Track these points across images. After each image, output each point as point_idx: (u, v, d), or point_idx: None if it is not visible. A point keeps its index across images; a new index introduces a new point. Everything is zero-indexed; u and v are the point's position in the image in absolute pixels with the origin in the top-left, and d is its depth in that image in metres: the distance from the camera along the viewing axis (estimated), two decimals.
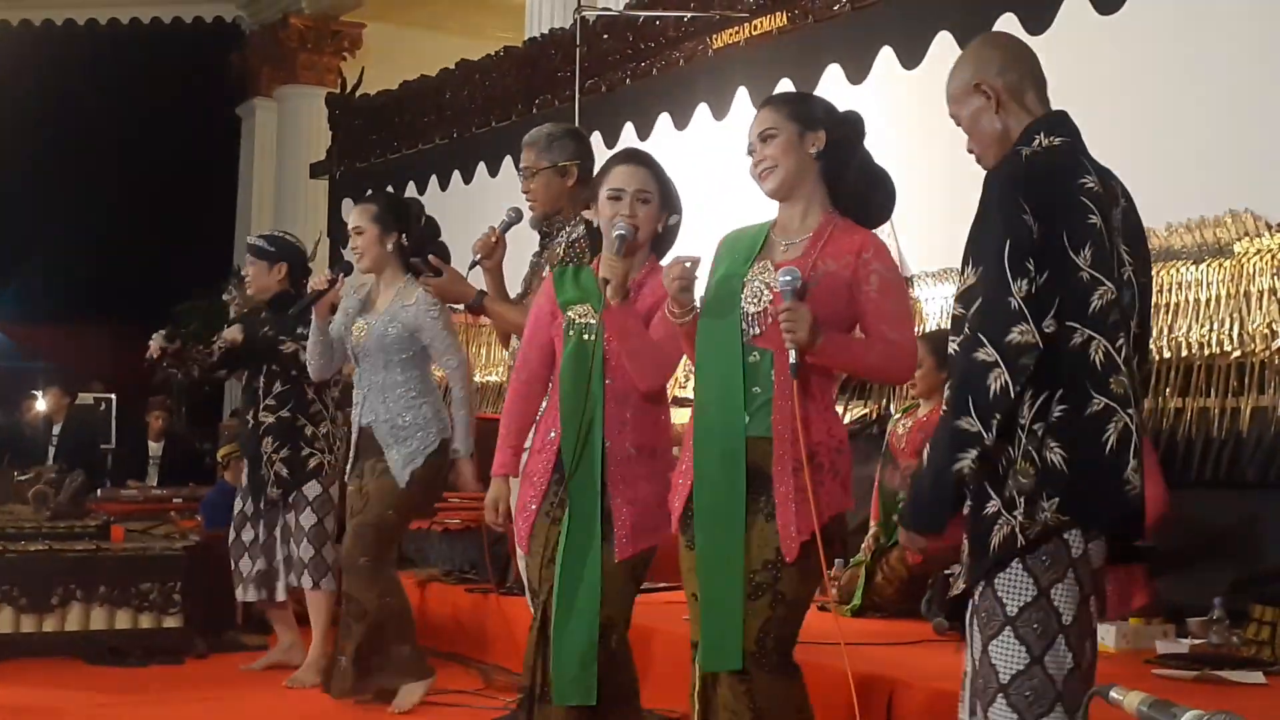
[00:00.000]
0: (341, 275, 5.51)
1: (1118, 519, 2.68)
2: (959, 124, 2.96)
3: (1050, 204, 2.67)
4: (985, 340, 2.61)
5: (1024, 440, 2.65)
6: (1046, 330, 2.62)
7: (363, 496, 5.28)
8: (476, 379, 9.98)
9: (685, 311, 3.39)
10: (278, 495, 6.00)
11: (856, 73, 7.22)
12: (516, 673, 5.58)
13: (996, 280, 2.63)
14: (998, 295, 2.62)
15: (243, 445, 6.28)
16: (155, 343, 6.32)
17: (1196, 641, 4.59)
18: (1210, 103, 5.59)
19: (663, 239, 3.92)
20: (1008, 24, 6.32)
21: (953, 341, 2.71)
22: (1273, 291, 5.19)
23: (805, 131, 3.38)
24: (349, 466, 5.41)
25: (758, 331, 3.31)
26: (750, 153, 3.44)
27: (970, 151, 2.96)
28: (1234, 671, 4.20)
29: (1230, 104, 5.53)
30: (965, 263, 2.73)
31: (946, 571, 5.25)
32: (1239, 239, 5.32)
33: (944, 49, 6.78)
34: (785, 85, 7.75)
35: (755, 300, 3.33)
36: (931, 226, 6.67)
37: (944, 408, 2.70)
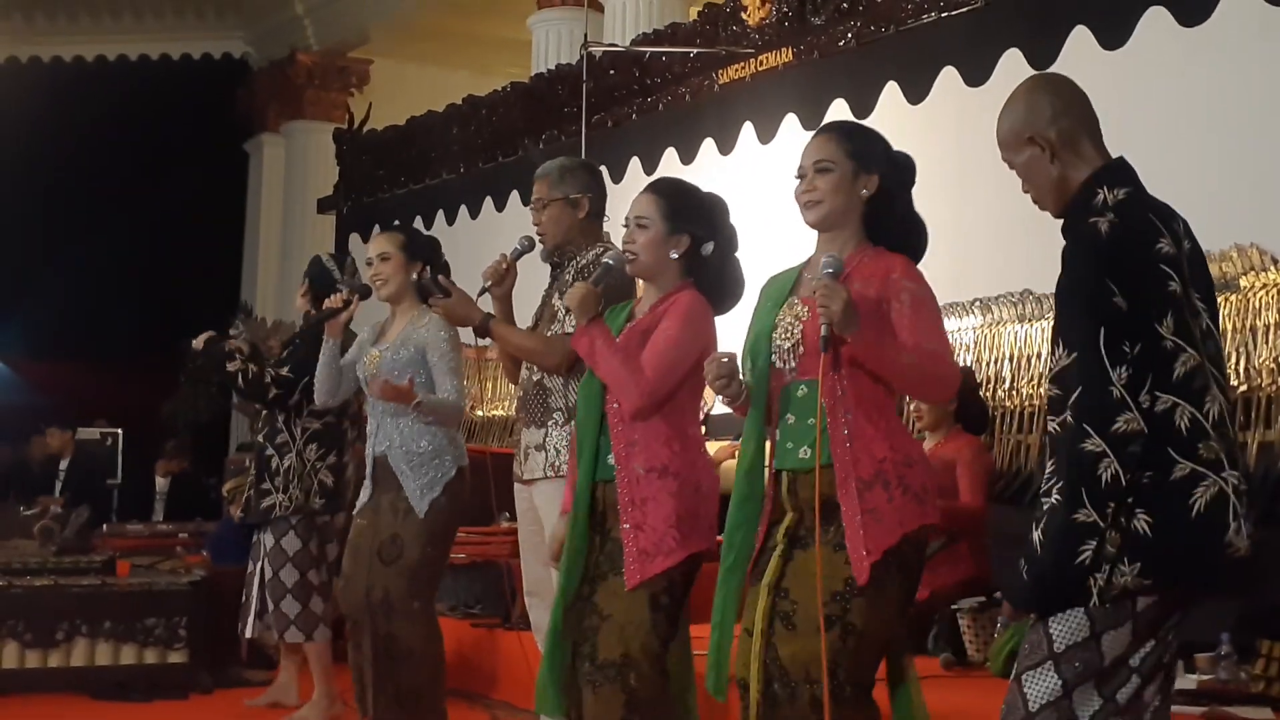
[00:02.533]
0: (356, 296, 5.46)
1: (1206, 583, 2.69)
2: (1012, 168, 2.94)
3: (1133, 279, 2.67)
4: (1091, 430, 2.62)
5: (1114, 510, 2.65)
6: (1143, 406, 2.64)
7: (393, 542, 5.06)
8: (481, 414, 9.98)
9: (736, 399, 3.39)
10: (241, 519, 6.03)
11: (861, 108, 7.24)
12: (522, 709, 5.57)
13: (1096, 369, 2.64)
14: (1099, 384, 2.63)
15: None
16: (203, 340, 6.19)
17: (1205, 677, 4.56)
18: (1217, 138, 5.61)
19: (699, 266, 3.82)
20: (1011, 60, 6.35)
21: (1052, 421, 2.71)
22: (1279, 326, 5.19)
23: (860, 173, 3.34)
24: (364, 498, 5.21)
25: (794, 365, 3.29)
26: (801, 176, 3.38)
27: (1026, 192, 2.94)
28: (1242, 707, 4.18)
29: (1237, 139, 5.55)
30: (1055, 342, 2.73)
31: (954, 607, 5.24)
32: (1245, 274, 5.32)
33: (949, 84, 6.81)
34: (791, 121, 7.78)
35: (788, 335, 3.31)
36: (936, 261, 6.66)
37: (1057, 497, 2.67)
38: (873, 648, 3.20)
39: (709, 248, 3.79)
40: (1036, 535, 2.70)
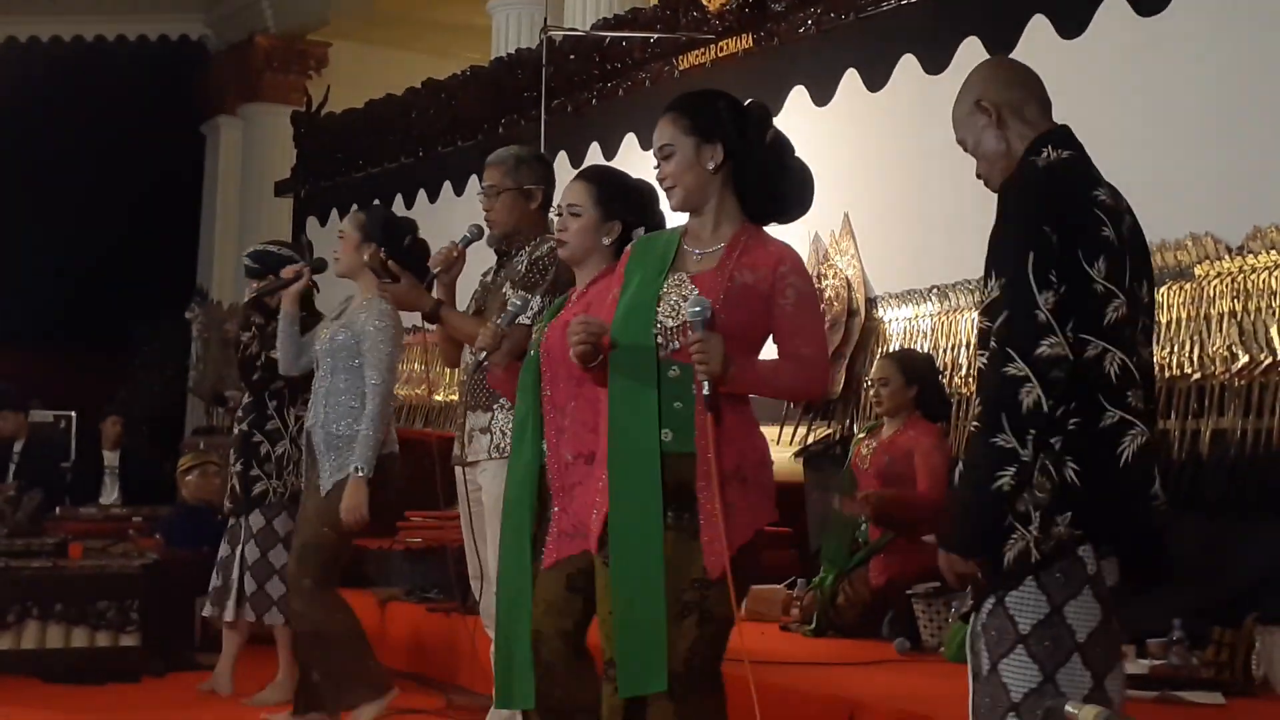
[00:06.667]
0: (308, 269, 5.54)
1: (1134, 538, 2.64)
2: (965, 148, 2.92)
3: (1066, 215, 2.65)
4: (1015, 355, 2.58)
5: (1041, 455, 2.60)
6: (1069, 336, 2.60)
7: (304, 513, 5.22)
8: (439, 398, 9.95)
9: (587, 363, 3.30)
10: (230, 510, 5.95)
11: (821, 95, 7.24)
12: (477, 693, 5.56)
13: (1022, 293, 2.60)
14: (1025, 308, 2.60)
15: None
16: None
17: (1156, 663, 4.59)
18: (1173, 127, 5.64)
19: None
20: (970, 49, 6.36)
21: (981, 356, 2.67)
22: (1232, 314, 5.22)
23: (702, 144, 3.31)
24: (305, 474, 5.35)
25: (676, 346, 3.23)
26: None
27: (979, 176, 2.93)
28: (1194, 693, 4.21)
29: (1190, 128, 5.58)
30: (987, 275, 2.69)
31: (909, 592, 5.26)
32: (1199, 262, 5.36)
33: (908, 72, 6.82)
34: None
35: (673, 314, 3.24)
36: (894, 248, 6.68)
37: (974, 424, 2.65)
38: (725, 633, 3.22)
39: (639, 234, 3.81)
40: (959, 468, 2.68)
